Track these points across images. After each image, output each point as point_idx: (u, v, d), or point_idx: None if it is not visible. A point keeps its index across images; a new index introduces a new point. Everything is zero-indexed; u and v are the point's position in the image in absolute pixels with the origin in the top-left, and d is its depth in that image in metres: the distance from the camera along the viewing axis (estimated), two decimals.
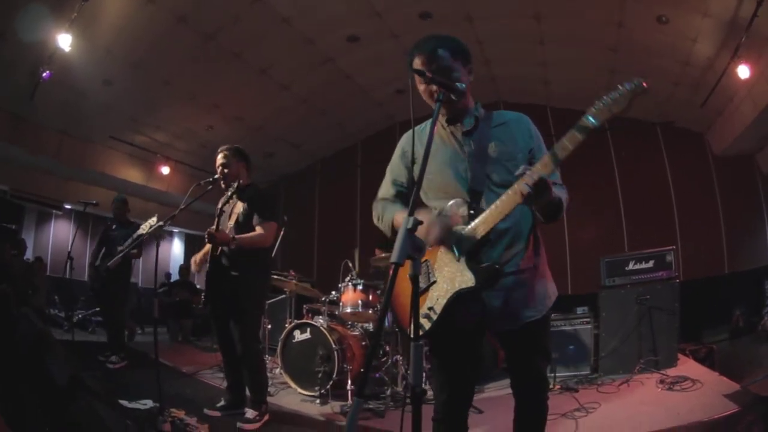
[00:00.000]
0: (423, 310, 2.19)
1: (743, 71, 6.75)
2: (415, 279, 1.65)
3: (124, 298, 6.87)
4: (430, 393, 5.09)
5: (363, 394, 1.44)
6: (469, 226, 2.14)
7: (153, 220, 5.53)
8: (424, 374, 5.42)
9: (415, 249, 1.63)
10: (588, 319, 6.24)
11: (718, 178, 9.32)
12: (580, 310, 6.35)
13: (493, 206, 2.08)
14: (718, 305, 7.85)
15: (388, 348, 5.67)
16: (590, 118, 1.93)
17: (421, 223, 1.67)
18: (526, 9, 7.64)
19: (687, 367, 5.55)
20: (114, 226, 6.84)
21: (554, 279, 2.44)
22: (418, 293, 1.64)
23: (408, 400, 1.68)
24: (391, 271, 1.61)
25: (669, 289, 5.87)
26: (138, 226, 6.04)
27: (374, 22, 8.02)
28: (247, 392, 4.47)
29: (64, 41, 6.60)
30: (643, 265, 6.16)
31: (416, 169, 2.36)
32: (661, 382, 4.99)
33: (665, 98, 8.72)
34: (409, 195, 2.44)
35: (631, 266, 6.23)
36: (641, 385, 5.16)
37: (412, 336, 1.65)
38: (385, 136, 11.48)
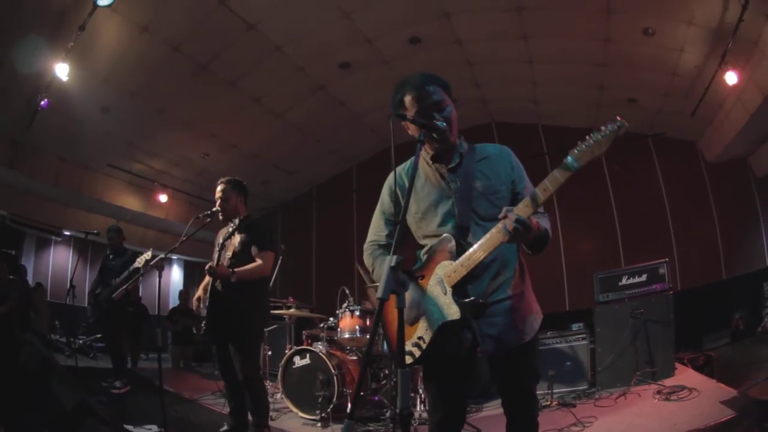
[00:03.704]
0: (413, 339, 2.29)
1: (731, 77, 6.81)
2: (400, 312, 1.77)
3: (124, 326, 6.96)
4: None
5: (354, 416, 1.61)
6: (456, 262, 2.23)
7: (148, 255, 5.59)
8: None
9: (398, 285, 1.76)
10: (584, 335, 6.33)
11: (712, 184, 9.41)
12: (575, 326, 6.45)
13: (477, 244, 2.17)
14: (718, 311, 7.92)
15: (387, 371, 5.77)
16: (571, 161, 1.98)
17: (403, 260, 1.78)
18: (513, 29, 7.74)
19: (684, 376, 5.62)
20: (111, 256, 6.93)
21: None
22: (403, 325, 1.77)
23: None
24: (377, 305, 1.74)
25: (663, 302, 5.96)
26: (133, 254, 6.14)
27: (365, 49, 8.15)
28: (250, 417, 4.52)
29: (62, 71, 6.61)
30: (637, 279, 6.25)
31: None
32: (658, 392, 5.07)
33: (656, 110, 8.85)
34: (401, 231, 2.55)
35: (624, 281, 6.32)
36: (638, 397, 5.23)
37: (397, 363, 1.77)
38: (379, 160, 11.64)
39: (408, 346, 2.31)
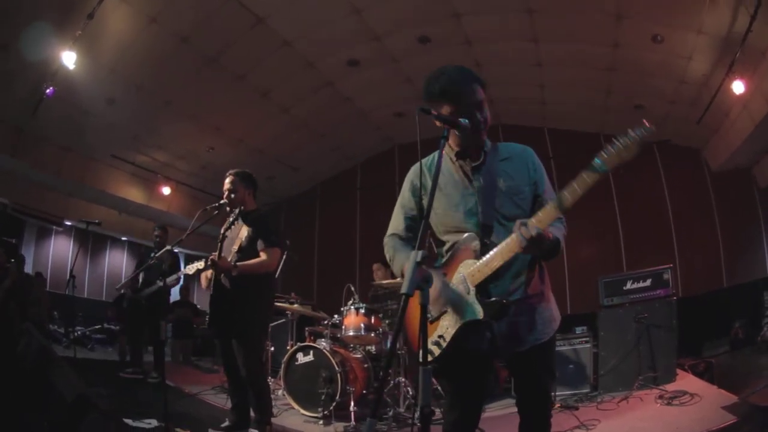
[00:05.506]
0: (433, 337, 2.28)
1: (738, 87, 6.81)
2: (423, 308, 1.77)
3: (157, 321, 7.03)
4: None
5: (377, 414, 1.63)
6: (480, 261, 2.21)
7: (200, 264, 5.21)
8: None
9: (423, 281, 1.75)
10: (587, 339, 6.34)
11: (715, 193, 9.39)
12: (578, 329, 6.45)
13: (497, 248, 2.16)
14: (719, 319, 7.92)
15: (390, 370, 5.74)
16: (600, 163, 1.98)
17: (428, 256, 1.76)
18: (524, 32, 7.74)
19: (686, 381, 5.62)
20: (152, 254, 6.96)
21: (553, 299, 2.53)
22: (426, 321, 1.76)
23: (417, 420, 1.77)
24: (401, 301, 1.71)
25: (667, 307, 5.96)
26: (176, 255, 6.12)
27: (374, 46, 8.14)
28: (252, 413, 4.50)
29: (69, 59, 6.59)
30: (641, 284, 6.26)
31: (426, 200, 2.45)
32: (660, 397, 5.08)
33: (662, 117, 8.78)
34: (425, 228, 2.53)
35: (628, 285, 6.33)
36: (640, 401, 5.23)
37: (420, 360, 1.76)
38: (384, 158, 11.65)
39: (428, 344, 2.30)
